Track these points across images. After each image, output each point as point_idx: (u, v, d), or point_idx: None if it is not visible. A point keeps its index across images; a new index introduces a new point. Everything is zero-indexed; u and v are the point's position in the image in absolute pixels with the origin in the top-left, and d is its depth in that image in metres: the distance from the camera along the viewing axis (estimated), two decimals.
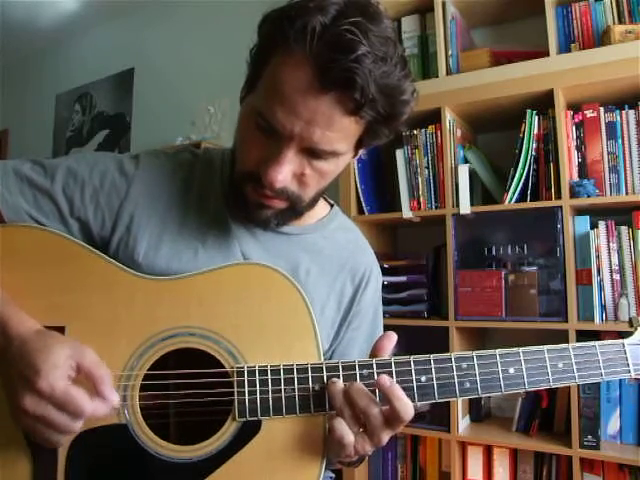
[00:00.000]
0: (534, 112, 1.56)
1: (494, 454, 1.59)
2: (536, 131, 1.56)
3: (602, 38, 1.55)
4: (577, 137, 1.53)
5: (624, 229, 1.46)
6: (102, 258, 0.68)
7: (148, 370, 0.64)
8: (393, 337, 0.66)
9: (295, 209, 0.72)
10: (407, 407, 0.60)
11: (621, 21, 1.57)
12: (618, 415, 1.44)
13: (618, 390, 1.44)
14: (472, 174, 1.65)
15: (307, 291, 0.69)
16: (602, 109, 1.51)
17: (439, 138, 1.67)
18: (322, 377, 0.64)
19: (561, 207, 1.47)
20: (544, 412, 1.56)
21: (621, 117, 1.49)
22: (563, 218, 1.47)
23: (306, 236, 0.81)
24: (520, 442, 1.53)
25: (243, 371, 0.64)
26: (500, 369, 0.64)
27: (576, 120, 1.53)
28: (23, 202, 0.71)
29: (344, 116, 0.61)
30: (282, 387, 0.63)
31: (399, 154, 1.75)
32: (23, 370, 0.56)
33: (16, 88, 3.65)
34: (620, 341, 0.67)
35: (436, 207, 1.68)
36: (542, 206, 1.51)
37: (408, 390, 0.62)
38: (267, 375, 0.64)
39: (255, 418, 0.63)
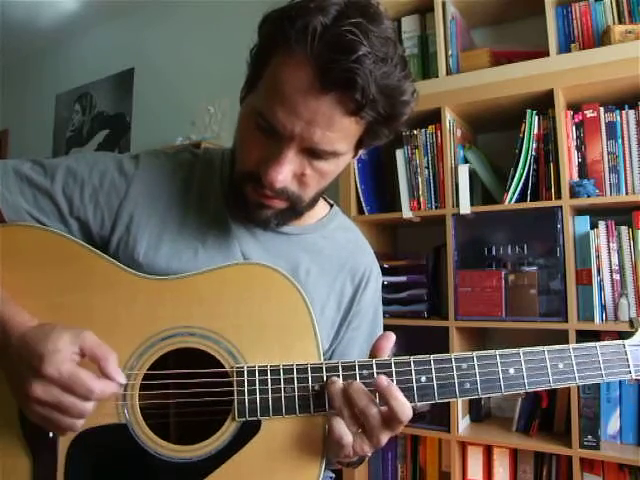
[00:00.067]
0: (534, 112, 1.56)
1: (494, 454, 1.59)
2: (536, 131, 1.56)
3: (602, 38, 1.55)
4: (577, 137, 1.53)
5: (624, 229, 1.46)
6: (103, 258, 0.68)
7: (148, 370, 0.64)
8: (391, 337, 0.66)
9: (295, 209, 0.72)
10: (404, 407, 0.60)
11: (621, 21, 1.57)
12: (618, 415, 1.44)
13: (618, 390, 1.44)
14: (472, 174, 1.65)
15: (307, 291, 0.69)
16: (602, 109, 1.51)
17: (439, 138, 1.67)
18: (322, 377, 0.63)
19: (561, 207, 1.47)
20: (544, 412, 1.56)
21: (621, 117, 1.49)
22: (563, 218, 1.47)
23: (306, 236, 0.81)
24: (520, 442, 1.53)
25: (243, 371, 0.64)
26: (500, 369, 0.64)
27: (576, 120, 1.53)
28: (23, 202, 0.71)
29: (344, 116, 0.61)
30: (282, 387, 0.63)
31: (399, 154, 1.75)
32: (28, 360, 0.57)
33: (16, 88, 3.65)
34: (621, 342, 0.67)
35: (436, 207, 1.68)
36: (542, 206, 1.51)
37: (408, 390, 0.62)
38: (267, 375, 0.64)
39: (255, 418, 0.63)
